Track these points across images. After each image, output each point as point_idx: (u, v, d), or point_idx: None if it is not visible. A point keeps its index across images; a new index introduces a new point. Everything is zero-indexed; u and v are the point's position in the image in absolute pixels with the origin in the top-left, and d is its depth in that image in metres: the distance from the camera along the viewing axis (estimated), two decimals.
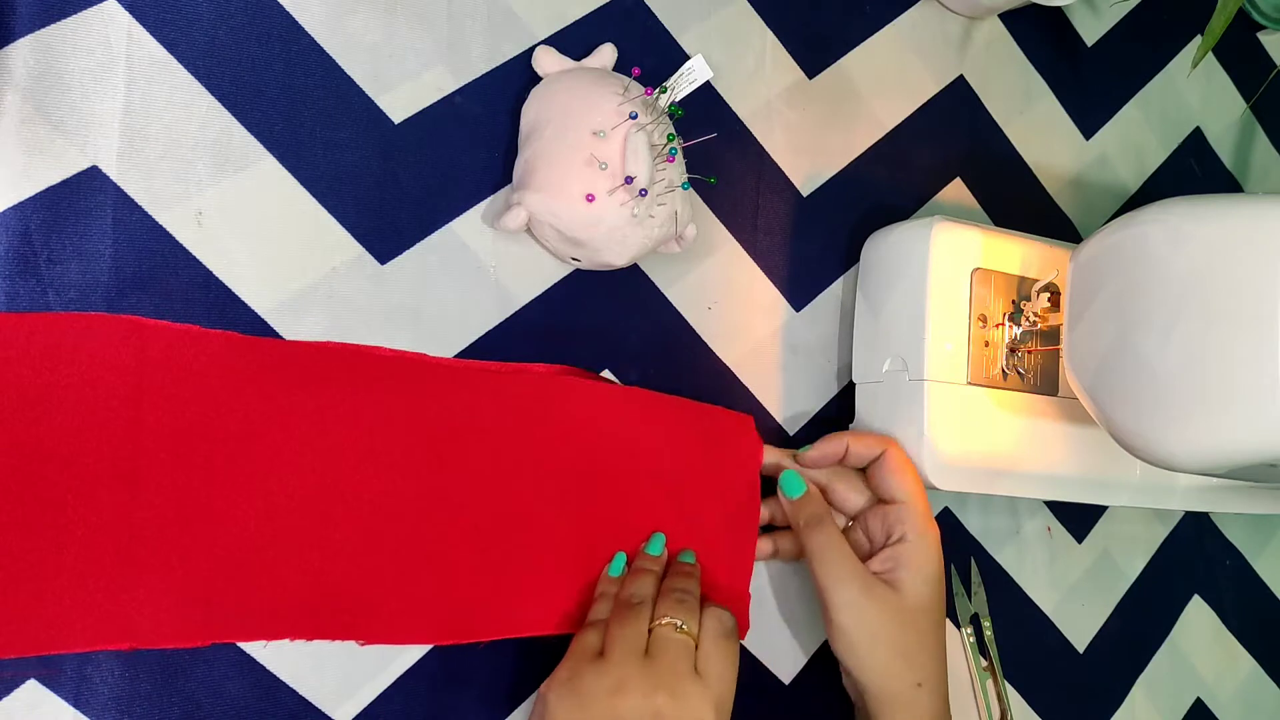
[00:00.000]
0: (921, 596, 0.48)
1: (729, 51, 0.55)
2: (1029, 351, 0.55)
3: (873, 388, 0.55)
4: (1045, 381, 0.55)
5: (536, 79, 0.49)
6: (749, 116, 0.55)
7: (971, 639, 0.60)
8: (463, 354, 0.47)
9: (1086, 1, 0.69)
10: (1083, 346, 0.50)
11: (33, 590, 0.39)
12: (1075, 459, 0.55)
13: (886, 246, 0.55)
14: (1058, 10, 0.67)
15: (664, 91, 0.48)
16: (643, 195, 0.45)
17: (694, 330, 0.53)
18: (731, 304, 0.54)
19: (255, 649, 0.42)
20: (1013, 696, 0.61)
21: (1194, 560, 0.71)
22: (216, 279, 0.43)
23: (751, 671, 0.54)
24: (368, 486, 0.44)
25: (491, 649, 0.47)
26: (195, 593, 0.41)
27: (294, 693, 0.43)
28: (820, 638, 0.56)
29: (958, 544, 0.60)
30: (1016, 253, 0.55)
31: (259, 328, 0.43)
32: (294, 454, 0.43)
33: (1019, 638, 0.62)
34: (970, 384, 0.53)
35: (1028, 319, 0.54)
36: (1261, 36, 0.77)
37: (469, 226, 0.48)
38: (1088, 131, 0.68)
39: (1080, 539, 0.66)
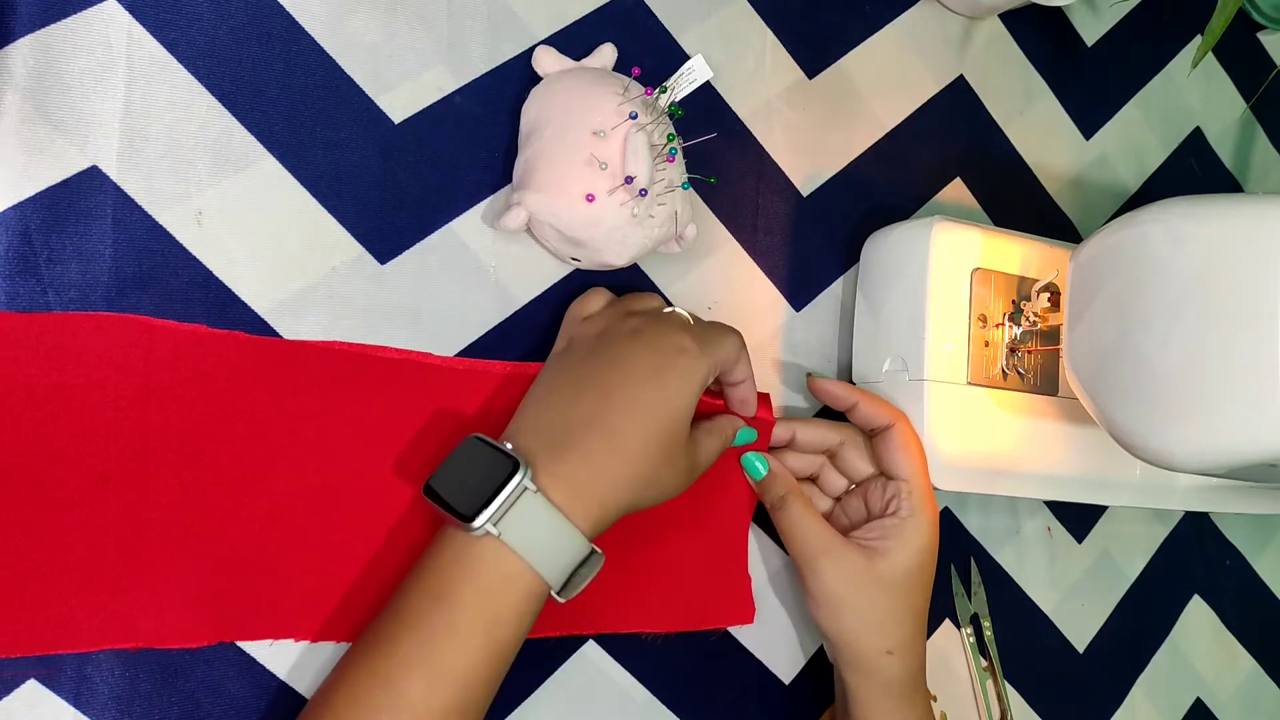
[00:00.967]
0: (899, 567, 0.49)
1: (729, 51, 0.55)
2: (1029, 351, 0.55)
3: (873, 388, 0.55)
4: (1045, 381, 0.55)
5: (536, 79, 0.49)
6: (749, 116, 0.55)
7: (971, 639, 0.60)
8: (463, 354, 0.47)
9: (1086, 1, 0.69)
10: (1083, 346, 0.50)
11: (38, 590, 0.39)
12: (1075, 459, 0.55)
13: (886, 246, 0.55)
14: (1058, 10, 0.67)
15: (664, 91, 0.48)
16: (643, 195, 0.45)
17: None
18: (731, 304, 0.54)
19: (255, 649, 0.42)
20: (1013, 696, 0.61)
21: (1194, 560, 0.71)
22: (216, 279, 0.43)
23: (751, 671, 0.54)
24: (373, 488, 0.44)
25: None
26: (200, 593, 0.41)
27: (294, 693, 0.43)
28: (820, 638, 0.56)
29: (958, 544, 0.60)
30: (1016, 253, 0.55)
31: (259, 328, 0.43)
32: (299, 454, 0.43)
33: (1019, 638, 0.62)
34: (970, 384, 0.53)
35: (1028, 319, 0.54)
36: (1261, 36, 0.77)
37: (469, 226, 0.48)
38: (1088, 131, 0.68)
39: (1080, 539, 0.66)
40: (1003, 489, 0.54)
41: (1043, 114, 0.66)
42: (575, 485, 0.41)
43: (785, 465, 0.52)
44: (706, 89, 0.54)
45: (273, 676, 0.43)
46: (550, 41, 0.50)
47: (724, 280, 0.54)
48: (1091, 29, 0.69)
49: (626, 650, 0.50)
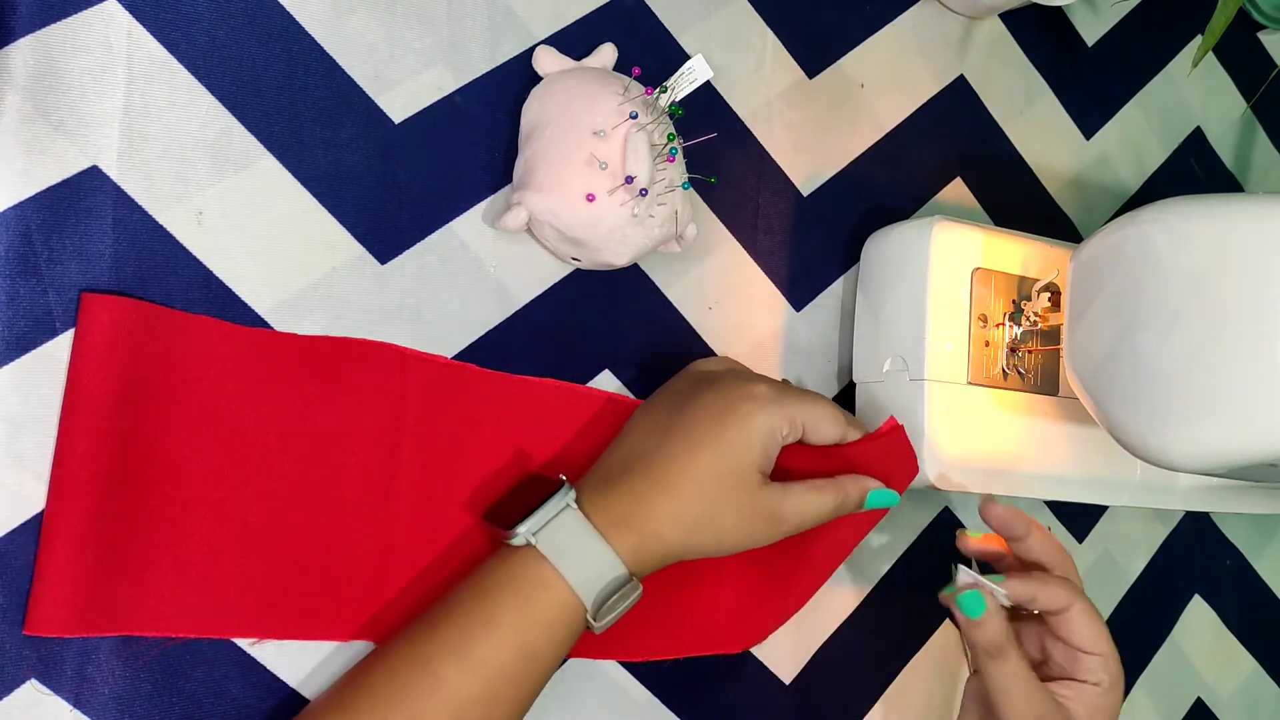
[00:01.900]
0: None
1: (729, 51, 0.55)
2: (1029, 351, 0.55)
3: (873, 388, 0.55)
4: (1045, 381, 0.55)
5: (537, 79, 0.49)
6: (749, 116, 0.55)
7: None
8: (462, 354, 0.47)
9: (1087, 1, 0.69)
10: (1083, 346, 0.50)
11: (137, 573, 0.40)
12: (1075, 459, 0.55)
13: (887, 246, 0.55)
14: (1058, 10, 0.67)
15: (664, 91, 0.48)
16: (643, 195, 0.45)
17: (694, 330, 0.53)
18: (731, 304, 0.54)
19: (256, 649, 0.42)
20: None
21: (1194, 560, 0.71)
22: (216, 279, 0.43)
23: (752, 671, 0.54)
24: (385, 487, 0.45)
25: None
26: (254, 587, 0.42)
27: (294, 692, 0.43)
28: (820, 638, 0.56)
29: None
30: (1017, 253, 0.55)
31: (259, 327, 0.43)
32: (317, 451, 0.44)
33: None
34: (970, 384, 0.53)
35: (1028, 319, 0.54)
36: (1262, 36, 0.77)
37: (469, 226, 0.48)
38: (1088, 131, 0.68)
39: (1080, 539, 0.66)
40: (1003, 489, 0.54)
41: (1043, 114, 0.66)
42: (618, 515, 0.43)
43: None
44: (706, 89, 0.54)
45: (273, 676, 0.43)
46: (550, 41, 0.50)
47: (724, 280, 0.54)
48: (1092, 29, 0.69)
49: None
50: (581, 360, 0.50)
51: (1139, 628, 0.68)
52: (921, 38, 0.62)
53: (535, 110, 0.47)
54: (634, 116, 0.45)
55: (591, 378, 0.51)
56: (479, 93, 0.48)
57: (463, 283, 0.48)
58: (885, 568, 0.58)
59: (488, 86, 0.49)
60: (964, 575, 0.46)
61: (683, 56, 0.54)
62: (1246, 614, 0.73)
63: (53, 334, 0.40)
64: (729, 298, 0.54)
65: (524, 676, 0.41)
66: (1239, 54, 0.76)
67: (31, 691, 0.39)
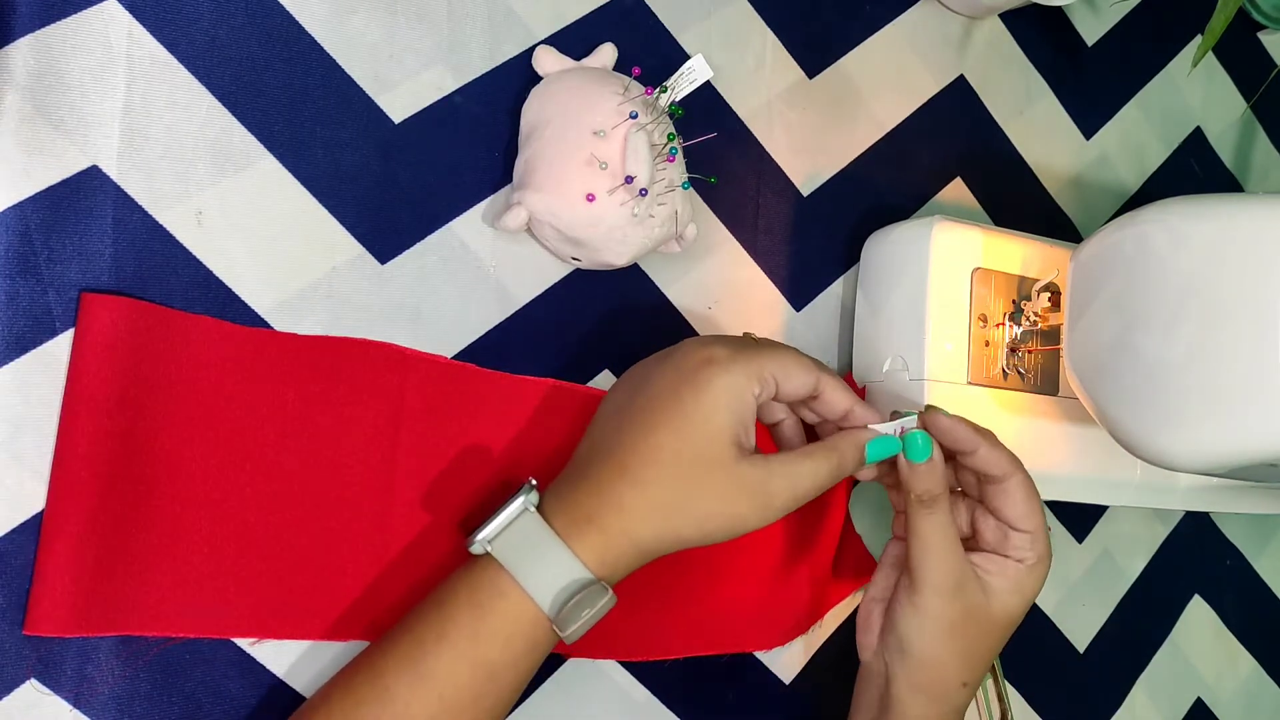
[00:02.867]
0: (1012, 611, 0.47)
1: (729, 51, 0.55)
2: (1029, 351, 0.55)
3: (873, 387, 0.55)
4: (1045, 381, 0.55)
5: (536, 79, 0.49)
6: (749, 116, 0.55)
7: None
8: (462, 354, 0.47)
9: (1086, 1, 0.69)
10: (1083, 346, 0.50)
11: (126, 572, 0.40)
12: (1075, 459, 0.55)
13: (886, 246, 0.55)
14: (1058, 10, 0.67)
15: (664, 91, 0.48)
16: (643, 195, 0.45)
17: (694, 330, 0.53)
18: (731, 304, 0.54)
19: (255, 649, 0.42)
20: (1013, 696, 0.61)
21: (1194, 560, 0.71)
22: (216, 279, 0.43)
23: (752, 671, 0.54)
24: (384, 487, 0.45)
25: None
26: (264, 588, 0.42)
27: (294, 692, 0.43)
28: (820, 639, 0.56)
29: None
30: (1017, 252, 0.55)
31: (259, 327, 0.43)
32: (316, 452, 0.44)
33: (1019, 638, 0.62)
34: (970, 384, 0.53)
35: (1028, 319, 0.54)
36: (1262, 36, 0.77)
37: (469, 226, 0.48)
38: (1088, 131, 0.68)
39: (1080, 539, 0.66)
40: None
41: (1043, 114, 0.66)
42: (581, 514, 0.40)
43: None
44: (706, 89, 0.54)
45: (273, 676, 0.43)
46: (550, 41, 0.50)
47: (724, 280, 0.54)
48: (1092, 29, 0.69)
49: None
50: (581, 360, 0.50)
51: (1139, 628, 0.68)
52: (921, 38, 0.62)
53: (535, 110, 0.47)
54: (634, 116, 0.45)
55: (591, 378, 0.51)
56: (479, 93, 0.48)
57: (463, 283, 0.48)
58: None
59: (488, 86, 0.49)
60: (906, 422, 0.45)
61: (683, 56, 0.54)
62: (1246, 614, 0.73)
63: (53, 334, 0.40)
64: (729, 298, 0.54)
65: (483, 692, 0.39)
66: (1239, 54, 0.76)
67: (31, 691, 0.39)
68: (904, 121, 0.61)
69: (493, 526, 0.40)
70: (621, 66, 0.50)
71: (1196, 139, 0.74)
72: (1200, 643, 0.70)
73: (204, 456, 0.41)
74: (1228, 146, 0.75)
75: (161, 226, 0.42)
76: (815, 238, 0.57)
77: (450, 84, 0.48)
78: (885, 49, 0.60)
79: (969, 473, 0.48)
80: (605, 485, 0.41)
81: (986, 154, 0.64)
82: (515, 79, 0.49)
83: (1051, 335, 0.55)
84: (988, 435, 0.46)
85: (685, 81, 0.53)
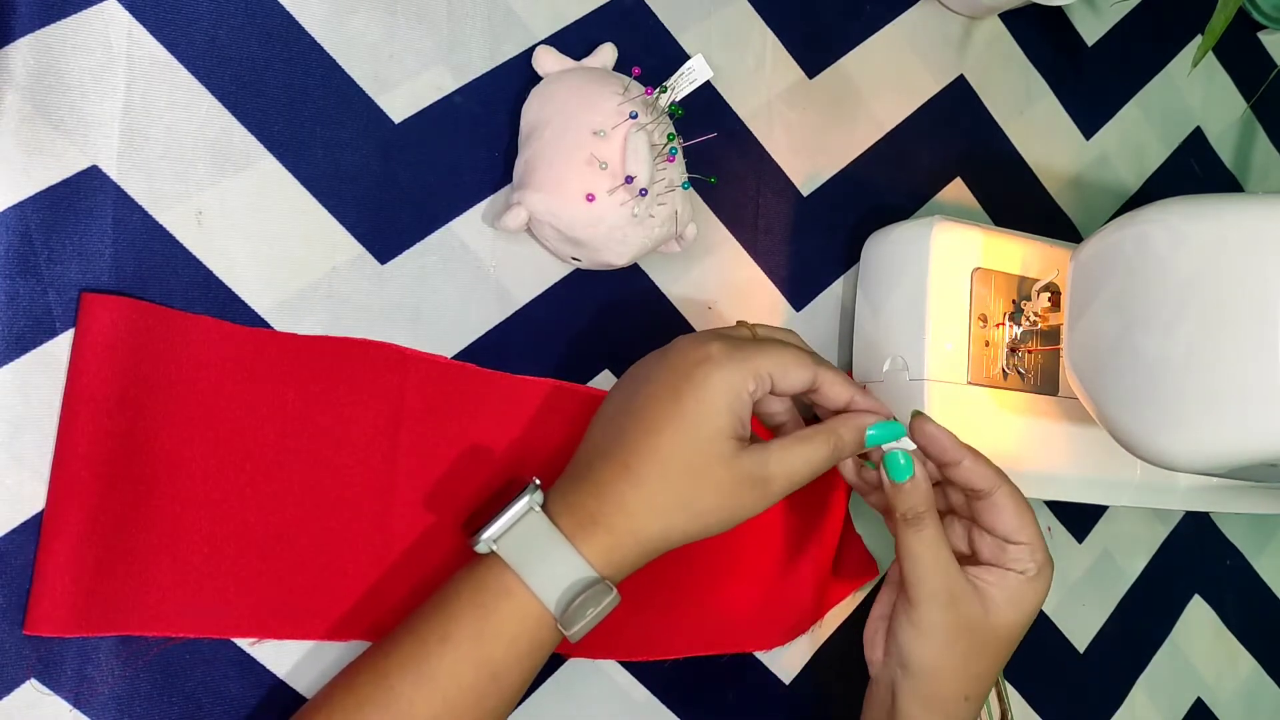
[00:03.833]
0: (1014, 626, 0.46)
1: (729, 51, 0.55)
2: (1029, 351, 0.55)
3: (873, 387, 0.54)
4: (1045, 381, 0.55)
5: (536, 79, 0.49)
6: (749, 116, 0.55)
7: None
8: (462, 354, 0.47)
9: (1086, 1, 0.69)
10: (1083, 346, 0.50)
11: (125, 571, 0.40)
12: (1075, 459, 0.55)
13: (886, 246, 0.55)
14: (1058, 10, 0.67)
15: (664, 91, 0.48)
16: (643, 195, 0.45)
17: (694, 330, 0.53)
18: (731, 304, 0.54)
19: (255, 649, 0.42)
20: (1013, 696, 0.61)
21: (1194, 560, 0.71)
22: (216, 279, 0.43)
23: (752, 671, 0.54)
24: (384, 487, 0.45)
25: None
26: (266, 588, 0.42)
27: (294, 692, 0.43)
28: (820, 639, 0.56)
29: None
30: (1017, 252, 0.55)
31: (259, 327, 0.43)
32: (317, 451, 0.44)
33: None
34: (970, 384, 0.53)
35: (1028, 319, 0.54)
36: (1262, 36, 0.77)
37: (469, 226, 0.48)
38: (1088, 131, 0.68)
39: (1080, 539, 0.66)
40: None
41: (1043, 114, 0.66)
42: (585, 514, 0.40)
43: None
44: (706, 89, 0.54)
45: (273, 676, 0.43)
46: (550, 41, 0.50)
47: (724, 280, 0.54)
48: (1092, 29, 0.69)
49: None
50: (581, 360, 0.50)
51: (1139, 628, 0.68)
52: (921, 38, 0.62)
53: (535, 110, 0.47)
54: (634, 116, 0.45)
55: (591, 378, 0.51)
56: (479, 93, 0.48)
57: (463, 283, 0.48)
58: (886, 568, 0.58)
59: (488, 86, 0.49)
60: (890, 445, 0.45)
61: (683, 56, 0.54)
62: (1246, 614, 0.73)
63: (53, 334, 0.40)
64: (729, 298, 0.54)
65: (486, 692, 0.39)
66: (1239, 54, 0.76)
67: (31, 691, 0.39)
68: (904, 121, 0.61)
69: (498, 525, 0.40)
70: (621, 66, 0.50)
71: (1196, 139, 0.74)
72: (1200, 643, 0.70)
73: (204, 456, 0.41)
74: (1228, 146, 0.75)
75: (161, 226, 0.42)
76: (815, 238, 0.57)
77: (450, 84, 0.48)
78: (885, 49, 0.60)
79: (957, 491, 0.48)
80: (608, 485, 0.41)
81: (986, 154, 0.64)
82: (515, 79, 0.49)
83: (1051, 335, 0.55)
84: (972, 450, 0.46)
85: (685, 81, 0.53)
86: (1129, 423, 0.47)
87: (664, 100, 0.47)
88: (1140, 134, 0.71)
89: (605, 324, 0.51)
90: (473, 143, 0.48)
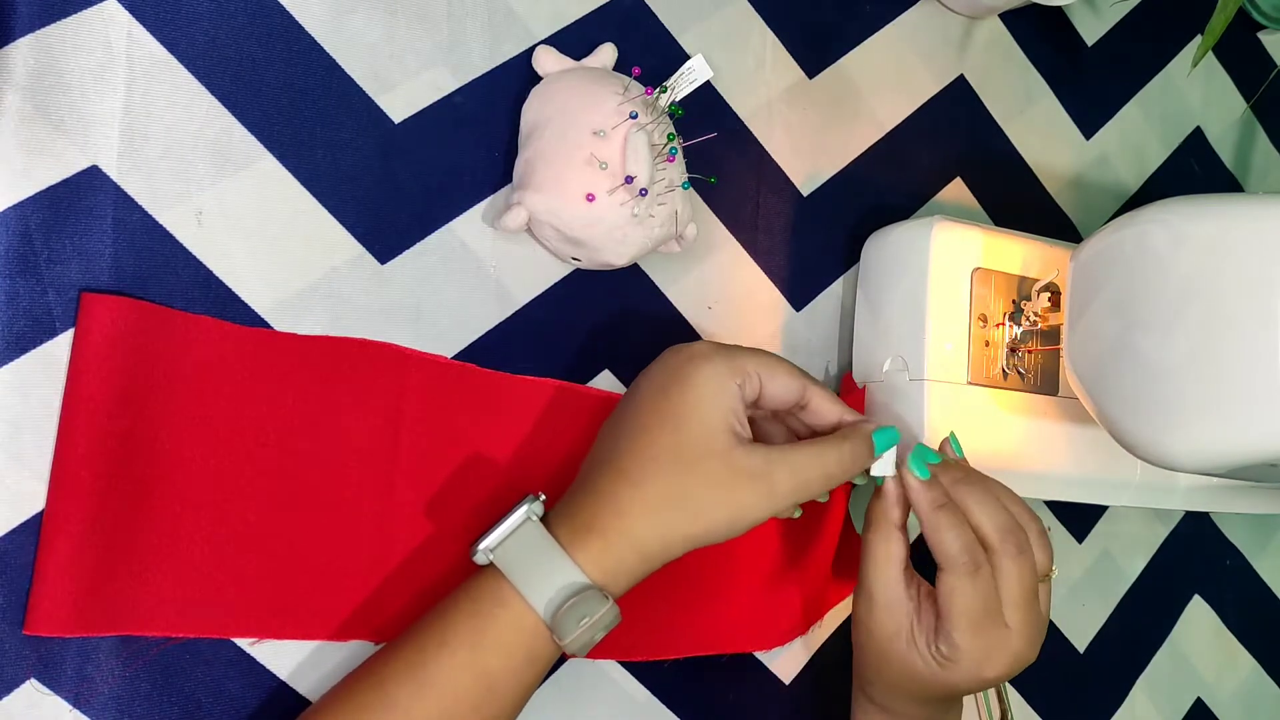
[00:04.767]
0: (959, 688, 0.46)
1: (729, 51, 0.55)
2: (1029, 351, 0.55)
3: (873, 388, 0.55)
4: (1045, 381, 0.55)
5: (536, 79, 0.49)
6: (749, 116, 0.55)
7: None
8: (462, 354, 0.47)
9: (1087, 1, 0.69)
10: (1083, 346, 0.50)
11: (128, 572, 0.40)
12: (1075, 459, 0.55)
13: (886, 246, 0.55)
14: (1058, 10, 0.67)
15: (664, 91, 0.48)
16: (643, 195, 0.45)
17: (694, 330, 0.53)
18: (731, 304, 0.54)
19: (255, 649, 0.42)
20: (1013, 696, 0.61)
21: (1194, 560, 0.71)
22: (216, 279, 0.43)
23: (752, 671, 0.54)
24: (385, 486, 0.45)
25: None
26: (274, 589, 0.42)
27: (294, 693, 0.43)
28: (820, 638, 0.56)
29: None
30: (1017, 252, 0.55)
31: (259, 327, 0.43)
32: (319, 451, 0.44)
33: None
34: (970, 384, 0.53)
35: (1028, 319, 0.54)
36: (1262, 36, 0.77)
37: (469, 226, 0.48)
38: (1088, 131, 0.68)
39: (1080, 539, 0.66)
40: None
41: (1043, 114, 0.66)
42: (581, 522, 0.41)
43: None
44: (706, 89, 0.54)
45: (273, 676, 0.43)
46: (550, 41, 0.50)
47: (724, 280, 0.54)
48: (1092, 29, 0.69)
49: None
50: (581, 360, 0.50)
51: (1139, 628, 0.68)
52: (921, 38, 0.62)
53: (535, 110, 0.47)
54: (634, 116, 0.45)
55: (591, 378, 0.51)
56: (479, 93, 0.48)
57: (463, 283, 0.48)
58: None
59: (488, 86, 0.49)
60: (895, 453, 0.46)
61: (683, 56, 0.54)
62: (1246, 614, 0.73)
63: (53, 334, 0.40)
64: (729, 298, 0.54)
65: (484, 701, 0.39)
66: (1239, 54, 0.76)
67: (31, 691, 0.39)
68: (904, 121, 0.61)
69: (495, 535, 0.40)
70: (621, 66, 0.50)
71: (1196, 139, 0.74)
72: (1200, 643, 0.70)
73: (204, 457, 0.41)
74: (1228, 146, 0.75)
75: (161, 226, 0.42)
76: (815, 238, 0.57)
77: (450, 84, 0.48)
78: (885, 49, 0.60)
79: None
80: (604, 490, 0.41)
81: (986, 154, 0.64)
82: (515, 79, 0.49)
83: (1051, 335, 0.55)
84: (953, 515, 0.45)
85: (685, 81, 0.53)
86: (1129, 423, 0.47)
87: (664, 100, 0.47)
88: (1140, 134, 0.71)
89: (605, 324, 0.51)
90: (473, 143, 0.48)
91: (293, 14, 0.45)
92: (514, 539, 0.40)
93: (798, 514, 0.48)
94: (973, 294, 0.53)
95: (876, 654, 0.47)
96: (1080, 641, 0.65)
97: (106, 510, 0.39)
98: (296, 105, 0.45)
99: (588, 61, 0.49)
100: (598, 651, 0.48)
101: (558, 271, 0.50)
